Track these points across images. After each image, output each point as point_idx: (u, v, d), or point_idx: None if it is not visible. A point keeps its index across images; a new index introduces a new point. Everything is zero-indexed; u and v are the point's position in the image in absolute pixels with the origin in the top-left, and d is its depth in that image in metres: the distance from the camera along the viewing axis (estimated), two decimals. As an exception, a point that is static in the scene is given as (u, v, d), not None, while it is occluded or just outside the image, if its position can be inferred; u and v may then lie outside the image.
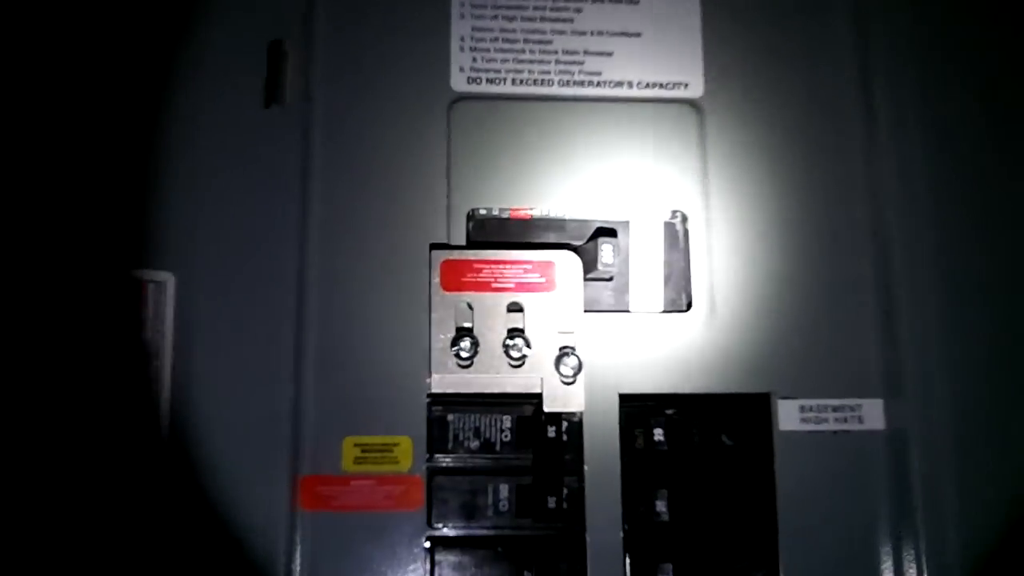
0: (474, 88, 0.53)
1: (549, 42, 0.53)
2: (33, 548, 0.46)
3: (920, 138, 0.52)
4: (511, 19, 0.53)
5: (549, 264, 0.50)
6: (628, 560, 0.49)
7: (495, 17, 0.53)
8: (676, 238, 0.52)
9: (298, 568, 0.47)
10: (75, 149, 0.50)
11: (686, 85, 0.53)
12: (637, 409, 0.50)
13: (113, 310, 0.49)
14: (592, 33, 0.54)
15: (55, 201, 0.49)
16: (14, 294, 0.48)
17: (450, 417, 0.49)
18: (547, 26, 0.53)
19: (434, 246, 0.50)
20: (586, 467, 0.49)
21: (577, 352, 0.49)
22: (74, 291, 0.48)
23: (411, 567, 0.48)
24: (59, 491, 0.47)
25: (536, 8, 0.54)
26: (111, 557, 0.46)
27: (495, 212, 0.52)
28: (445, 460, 0.49)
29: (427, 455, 0.49)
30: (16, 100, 0.50)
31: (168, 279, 0.49)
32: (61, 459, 0.47)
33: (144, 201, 0.50)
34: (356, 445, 0.49)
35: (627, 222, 0.52)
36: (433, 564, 0.48)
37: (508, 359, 0.49)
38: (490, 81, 0.53)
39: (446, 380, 0.49)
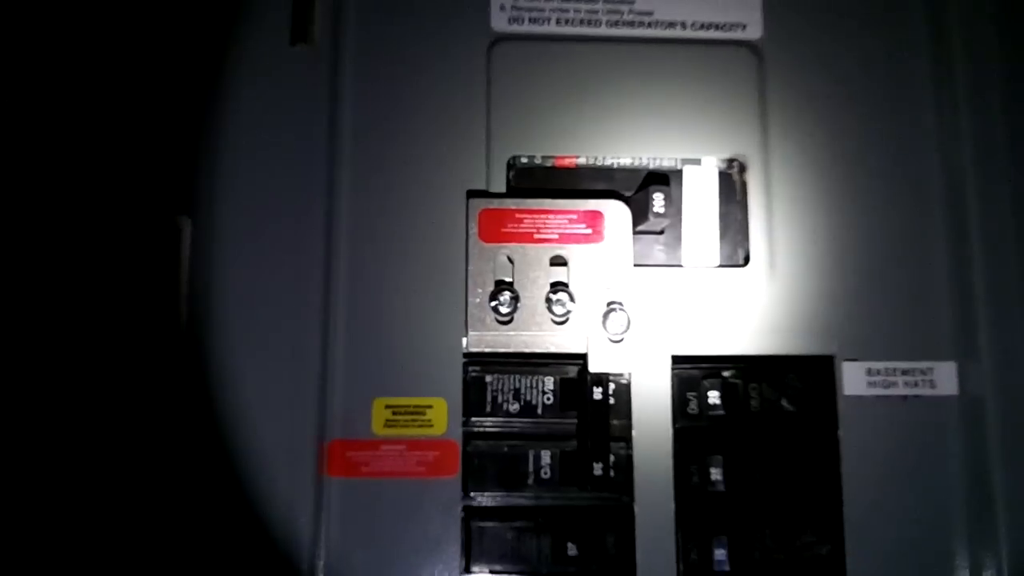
0: (516, 28, 0.50)
1: (597, -21, 0.51)
2: (50, 504, 0.45)
3: (997, 82, 0.49)
4: (556, -45, 0.51)
5: (596, 214, 0.46)
6: (680, 532, 0.46)
7: (538, -48, 0.50)
8: (732, 189, 0.49)
9: (324, 538, 0.45)
10: (94, 90, 0.48)
11: (744, 26, 0.50)
12: (690, 371, 0.47)
13: (128, 256, 0.46)
14: (643, -30, 0.51)
15: (75, 142, 0.47)
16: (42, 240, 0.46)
17: (488, 378, 0.47)
18: (594, -38, 0.51)
19: (472, 193, 0.47)
20: (635, 432, 0.46)
21: (626, 308, 0.45)
22: (93, 235, 0.46)
23: (445, 538, 0.45)
24: (79, 456, 0.45)
25: (583, -57, 0.51)
26: (131, 522, 0.45)
27: (538, 160, 0.49)
28: (482, 424, 0.47)
29: (463, 418, 0.46)
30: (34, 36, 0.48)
31: (185, 224, 0.46)
32: (82, 423, 0.45)
33: (161, 143, 0.47)
34: (387, 407, 0.46)
35: (679, 171, 0.49)
36: (468, 535, 0.46)
37: (551, 315, 0.45)
38: (533, 20, 0.50)
39: (484, 338, 0.46)
